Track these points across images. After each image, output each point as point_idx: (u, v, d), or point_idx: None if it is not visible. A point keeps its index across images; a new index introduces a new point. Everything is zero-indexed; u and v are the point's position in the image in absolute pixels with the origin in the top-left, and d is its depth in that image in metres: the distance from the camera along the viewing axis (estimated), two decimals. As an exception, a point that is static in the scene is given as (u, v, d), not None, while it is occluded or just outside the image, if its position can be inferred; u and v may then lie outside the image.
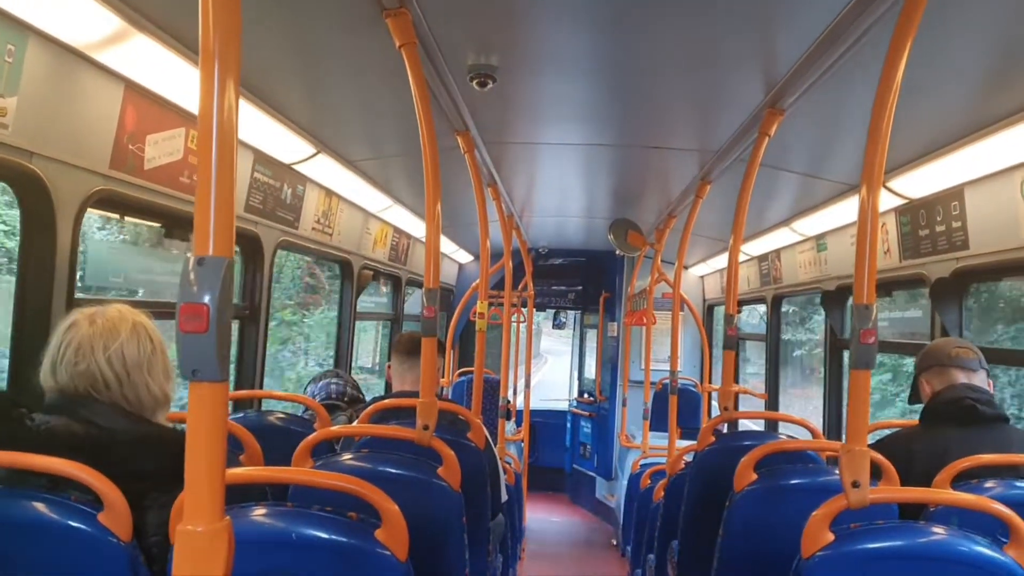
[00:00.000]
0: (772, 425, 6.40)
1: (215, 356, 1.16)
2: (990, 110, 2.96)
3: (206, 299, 1.16)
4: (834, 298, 5.64)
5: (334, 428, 2.88)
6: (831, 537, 1.92)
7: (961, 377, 2.87)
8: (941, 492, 2.33)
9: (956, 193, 3.68)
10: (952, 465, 2.47)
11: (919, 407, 3.00)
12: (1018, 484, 2.43)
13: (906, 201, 4.10)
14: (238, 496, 1.81)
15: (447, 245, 8.22)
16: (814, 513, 1.94)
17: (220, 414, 1.20)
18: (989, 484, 2.41)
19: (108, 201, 2.95)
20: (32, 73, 2.37)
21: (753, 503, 2.68)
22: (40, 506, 1.71)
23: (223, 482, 1.22)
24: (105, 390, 1.92)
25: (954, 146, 3.30)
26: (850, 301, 5.52)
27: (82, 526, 1.70)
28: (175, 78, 2.87)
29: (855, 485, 1.92)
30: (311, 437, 2.55)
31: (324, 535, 1.77)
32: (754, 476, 2.70)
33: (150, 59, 2.69)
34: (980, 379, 2.88)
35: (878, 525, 2.01)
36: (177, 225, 3.45)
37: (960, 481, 2.46)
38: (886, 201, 4.13)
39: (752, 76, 3.00)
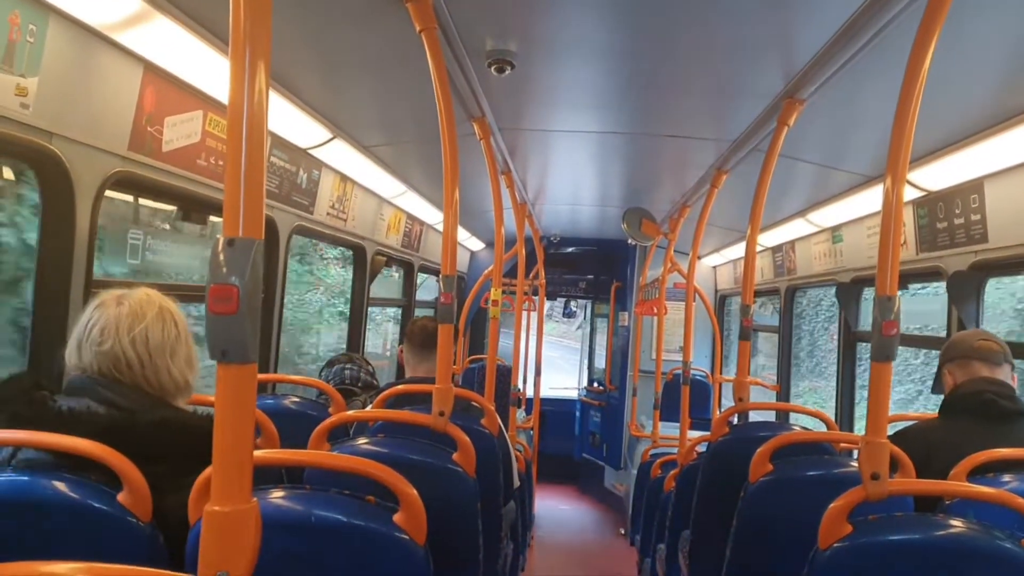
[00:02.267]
0: (783, 417, 6.39)
1: (244, 337, 1.16)
2: (1013, 102, 2.94)
3: (235, 280, 1.16)
4: (849, 290, 5.63)
5: (351, 412, 2.88)
6: (849, 528, 1.91)
7: (983, 370, 2.84)
8: (960, 485, 2.32)
9: (976, 186, 3.65)
10: (969, 458, 2.45)
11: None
12: None
13: (924, 193, 4.08)
14: (254, 479, 1.81)
15: (460, 232, 8.21)
16: (832, 504, 1.93)
17: (249, 395, 1.20)
18: (1007, 478, 2.39)
19: (126, 183, 2.95)
20: (53, 54, 2.37)
21: (768, 493, 2.67)
22: (60, 486, 1.71)
23: (251, 463, 1.22)
24: (127, 371, 1.93)
25: (975, 138, 3.27)
26: (865, 294, 5.51)
27: (101, 506, 1.70)
28: (194, 60, 2.87)
29: (874, 477, 1.92)
30: (328, 421, 2.55)
31: (343, 518, 1.77)
32: (770, 467, 2.69)
33: (169, 41, 2.68)
34: (1004, 373, 2.84)
35: (897, 517, 2.01)
36: (194, 208, 3.46)
37: (977, 475, 2.45)
38: (905, 193, 4.10)
39: (772, 65, 2.98)
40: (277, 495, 1.80)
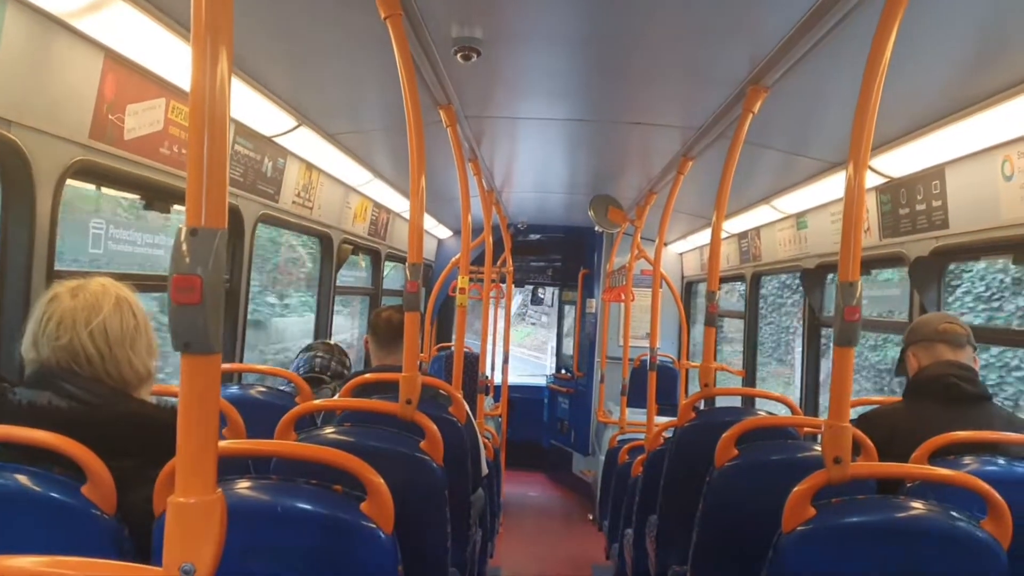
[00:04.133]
0: (748, 402, 6.45)
1: (208, 328, 1.15)
2: (973, 89, 2.98)
3: (199, 270, 1.15)
4: (814, 276, 5.68)
5: (316, 401, 2.87)
6: (812, 512, 1.94)
7: (947, 353, 2.86)
8: (920, 468, 2.35)
9: (937, 172, 3.70)
10: (930, 441, 2.49)
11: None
12: (995, 460, 2.45)
13: (887, 180, 4.12)
14: (220, 470, 1.80)
15: (427, 220, 8.20)
16: (796, 488, 1.96)
17: (213, 386, 1.19)
18: (966, 460, 2.43)
19: (88, 172, 2.90)
20: (10, 40, 2.33)
21: (733, 478, 2.70)
22: (22, 478, 1.69)
23: (216, 454, 1.21)
24: (87, 365, 1.89)
25: (936, 125, 3.31)
26: (829, 279, 5.57)
27: (65, 499, 1.69)
28: (156, 47, 2.83)
29: (837, 461, 1.94)
30: (294, 410, 2.54)
31: (310, 508, 1.77)
32: (735, 452, 2.71)
33: (130, 27, 2.64)
34: (967, 355, 2.87)
35: (859, 500, 2.04)
36: (157, 197, 3.42)
37: (938, 458, 2.48)
38: (868, 180, 4.15)
39: (737, 52, 3.00)
40: (243, 486, 1.79)
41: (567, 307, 11.29)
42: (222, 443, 1.56)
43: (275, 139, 4.23)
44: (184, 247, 1.15)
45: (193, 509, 1.18)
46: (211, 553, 1.18)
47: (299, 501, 1.77)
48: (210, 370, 1.18)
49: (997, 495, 1.93)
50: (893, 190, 4.15)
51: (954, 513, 1.94)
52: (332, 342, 4.38)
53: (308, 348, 4.26)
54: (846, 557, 1.92)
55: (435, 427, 2.54)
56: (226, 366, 3.94)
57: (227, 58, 1.18)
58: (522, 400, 10.73)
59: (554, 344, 12.06)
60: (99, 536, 1.70)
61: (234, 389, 3.46)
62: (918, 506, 2.00)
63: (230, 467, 1.98)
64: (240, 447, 2.09)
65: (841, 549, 1.93)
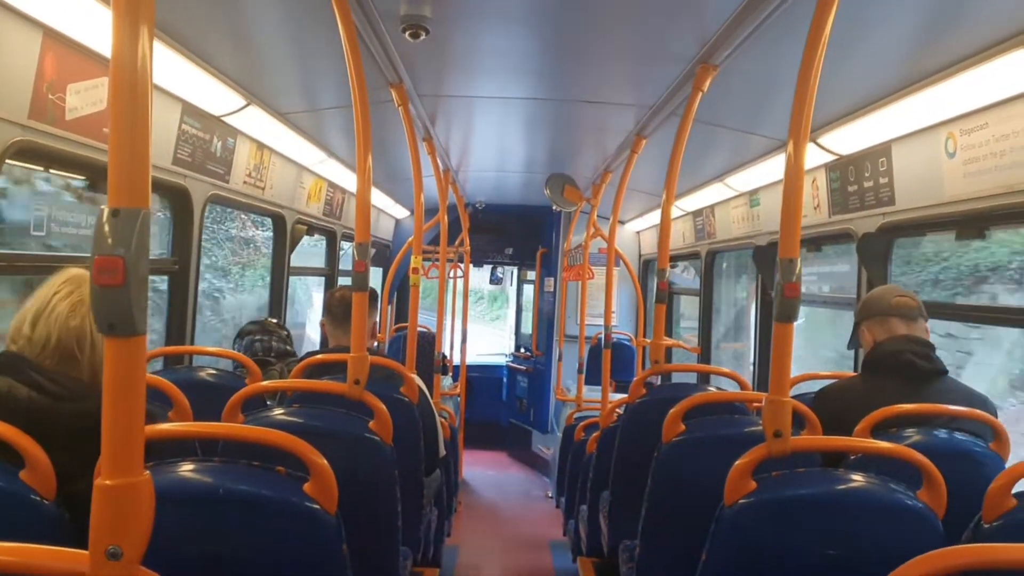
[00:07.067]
0: (705, 378, 6.49)
1: (131, 309, 1.14)
2: (917, 68, 3.01)
3: (121, 251, 1.13)
4: (766, 253, 5.72)
5: (264, 383, 2.85)
6: (753, 485, 1.96)
7: (901, 327, 2.86)
8: (859, 441, 2.39)
9: (884, 149, 3.74)
10: (872, 415, 2.52)
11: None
12: (934, 432, 2.50)
13: (836, 157, 4.17)
14: (167, 453, 1.79)
15: (384, 200, 8.15)
16: (737, 462, 1.98)
17: (138, 368, 1.18)
18: (908, 432, 2.47)
19: (28, 152, 2.84)
20: (-57, 18, 2.27)
21: (681, 453, 2.72)
22: None
23: (142, 435, 1.20)
24: (77, 354, 1.89)
25: (883, 103, 3.35)
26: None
27: (1, 483, 1.67)
28: (96, 25, 2.77)
29: (777, 435, 1.97)
30: (241, 392, 2.53)
31: (251, 489, 1.76)
32: (682, 427, 2.74)
33: (69, 5, 2.59)
34: (920, 328, 2.88)
35: (798, 473, 2.07)
36: (102, 178, 3.37)
37: (883, 431, 2.52)
38: (817, 157, 4.19)
39: (686, 30, 3.01)
40: (184, 468, 1.78)
41: (525, 286, 11.31)
42: (155, 426, 1.55)
43: (224, 118, 4.17)
44: (106, 228, 1.14)
45: (119, 491, 1.17)
46: (139, 536, 1.17)
47: (240, 483, 1.76)
48: (135, 351, 1.17)
49: (932, 465, 1.97)
50: (842, 167, 4.19)
51: (891, 484, 1.98)
52: (264, 319, 4.32)
53: (243, 334, 4.19)
54: (786, 529, 1.95)
55: (384, 407, 2.54)
56: (173, 348, 3.91)
57: (148, 31, 1.16)
58: (481, 379, 10.76)
59: (512, 324, 12.08)
60: (39, 520, 1.69)
61: (183, 371, 3.43)
62: (856, 478, 2.03)
63: (177, 451, 1.97)
64: (172, 430, 2.07)
65: (781, 521, 1.96)
